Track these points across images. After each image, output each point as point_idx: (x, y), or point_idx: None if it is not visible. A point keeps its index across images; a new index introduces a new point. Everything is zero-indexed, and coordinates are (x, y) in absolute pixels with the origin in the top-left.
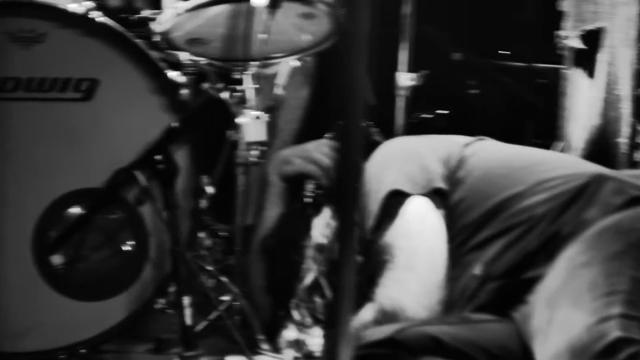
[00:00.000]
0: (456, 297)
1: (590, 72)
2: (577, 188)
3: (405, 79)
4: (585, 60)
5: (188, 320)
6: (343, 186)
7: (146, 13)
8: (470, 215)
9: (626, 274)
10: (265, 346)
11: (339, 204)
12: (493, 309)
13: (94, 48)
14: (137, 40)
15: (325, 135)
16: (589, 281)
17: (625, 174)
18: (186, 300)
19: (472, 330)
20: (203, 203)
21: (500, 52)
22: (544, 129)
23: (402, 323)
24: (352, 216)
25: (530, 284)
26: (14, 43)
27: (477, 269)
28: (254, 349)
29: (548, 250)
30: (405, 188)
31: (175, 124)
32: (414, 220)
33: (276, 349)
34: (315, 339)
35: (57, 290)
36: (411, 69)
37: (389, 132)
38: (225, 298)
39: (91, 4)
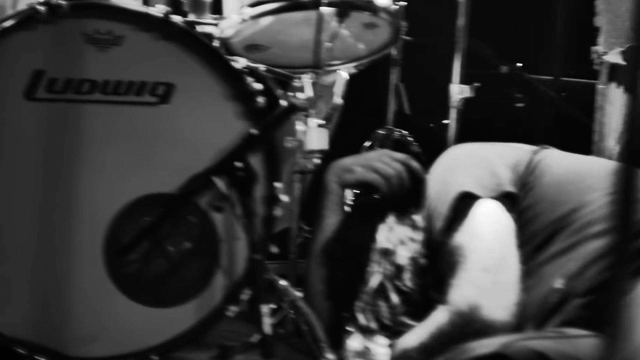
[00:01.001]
0: (533, 310)
1: (630, 87)
2: None
3: (458, 91)
4: (623, 75)
5: (267, 328)
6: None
7: (191, 17)
8: (540, 222)
9: None
10: (330, 356)
11: (618, 222)
12: (583, 324)
13: (171, 52)
14: (215, 46)
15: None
16: None
17: None
18: (265, 309)
19: (572, 345)
20: (277, 211)
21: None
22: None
23: (506, 337)
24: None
25: None
26: (90, 45)
27: (558, 283)
28: (319, 358)
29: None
30: (475, 190)
31: (254, 131)
32: (486, 221)
33: (342, 359)
34: (381, 348)
35: (127, 295)
36: (463, 81)
37: (442, 144)
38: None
39: (169, 8)
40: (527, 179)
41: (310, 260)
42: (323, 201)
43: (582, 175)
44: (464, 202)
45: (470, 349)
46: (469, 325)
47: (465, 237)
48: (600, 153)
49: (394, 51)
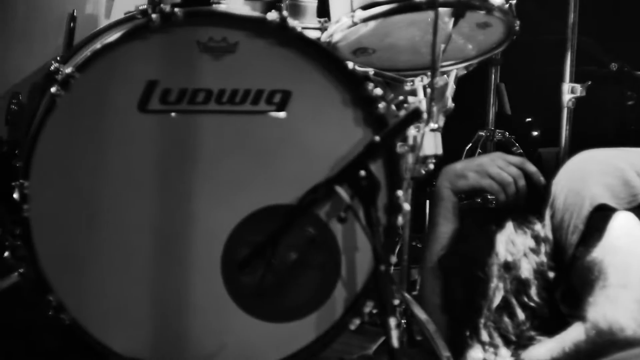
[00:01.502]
0: None
1: None
2: None
3: (570, 90)
4: None
5: (395, 342)
6: None
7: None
8: None
9: None
10: None
11: None
12: None
13: (286, 58)
14: (332, 51)
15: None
16: None
17: None
18: (392, 322)
19: None
20: (399, 220)
21: None
22: None
23: None
24: None
25: None
26: (205, 53)
27: None
28: None
29: None
30: (611, 203)
31: (377, 139)
32: (623, 236)
33: None
34: None
35: (246, 311)
36: (574, 79)
37: (554, 144)
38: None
39: (284, 13)
40: None
41: (424, 270)
42: (436, 208)
43: None
44: (600, 215)
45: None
46: (611, 345)
47: (603, 252)
48: None
49: None
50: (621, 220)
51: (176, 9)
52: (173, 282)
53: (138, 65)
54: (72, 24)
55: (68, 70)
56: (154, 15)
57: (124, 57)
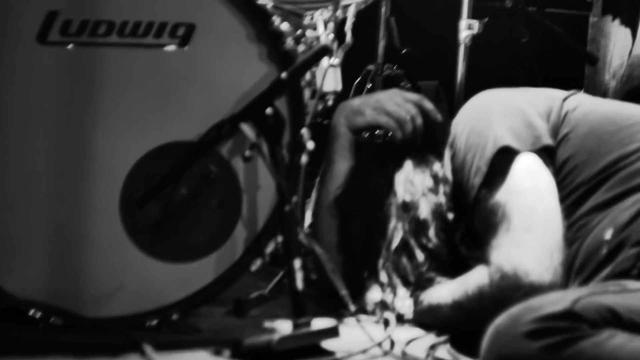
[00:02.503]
0: (579, 263)
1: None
2: None
3: (467, 27)
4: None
5: (299, 284)
6: None
7: None
8: (581, 174)
9: None
10: (351, 307)
11: None
12: (639, 274)
13: None
14: None
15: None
16: None
17: None
18: (297, 263)
19: (639, 299)
20: (303, 158)
21: None
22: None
23: (572, 292)
24: None
25: None
26: None
27: (608, 234)
28: (339, 310)
29: None
30: (514, 144)
31: (284, 76)
32: (527, 177)
33: (362, 310)
34: (404, 301)
35: (144, 251)
36: (471, 16)
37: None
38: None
39: None
40: (561, 129)
41: (320, 208)
42: (332, 145)
43: (618, 124)
44: (503, 156)
45: (537, 307)
46: (516, 289)
47: (506, 195)
48: (594, 87)
49: None
50: (525, 163)
51: None
52: (70, 220)
53: None
54: None
55: None
56: None
57: None
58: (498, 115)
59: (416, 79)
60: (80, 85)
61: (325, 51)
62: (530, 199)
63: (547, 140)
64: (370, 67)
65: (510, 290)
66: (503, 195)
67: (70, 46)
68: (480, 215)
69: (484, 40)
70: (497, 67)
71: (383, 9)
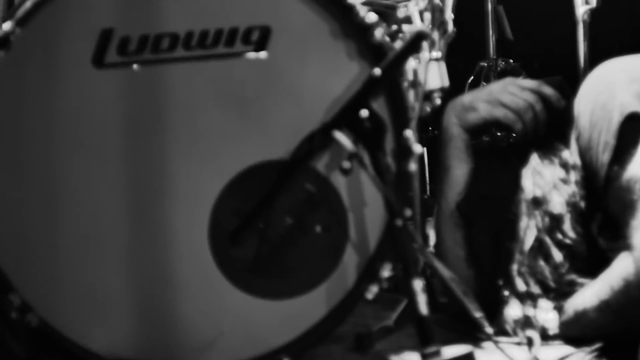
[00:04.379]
0: None
1: None
2: None
3: (584, 1)
4: None
5: (423, 309)
6: None
7: None
8: None
9: None
10: (488, 329)
11: None
12: None
13: None
14: None
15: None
16: None
17: None
18: (417, 285)
19: None
20: (412, 165)
21: None
22: None
23: None
24: None
25: None
26: None
27: None
28: (474, 334)
29: None
30: None
31: (377, 71)
32: None
33: (501, 331)
34: (547, 313)
35: (243, 289)
36: None
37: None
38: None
39: None
40: None
41: (442, 221)
42: (446, 149)
43: None
44: (633, 125)
45: None
46: None
47: None
48: None
49: None
50: None
51: None
52: (154, 263)
53: (88, 13)
54: None
55: (6, 26)
56: None
57: (71, 5)
58: (621, 83)
59: (535, 70)
60: (148, 110)
61: (421, 37)
62: None
63: None
64: (483, 63)
65: None
66: (638, 167)
67: (134, 67)
68: (614, 195)
69: (604, 13)
70: (621, 42)
71: None
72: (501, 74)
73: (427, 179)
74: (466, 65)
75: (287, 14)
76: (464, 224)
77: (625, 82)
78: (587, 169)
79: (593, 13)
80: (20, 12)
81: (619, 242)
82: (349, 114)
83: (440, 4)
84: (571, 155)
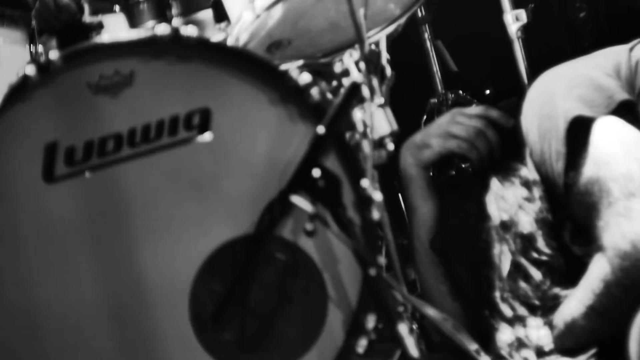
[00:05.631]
0: None
1: None
2: None
3: (515, 18)
4: None
5: (413, 352)
6: None
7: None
8: None
9: None
10: (485, 358)
11: None
12: None
13: (192, 73)
14: (239, 47)
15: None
16: None
17: None
18: (403, 328)
19: None
20: (374, 214)
21: None
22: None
23: None
24: None
25: None
26: (99, 94)
27: None
28: None
29: None
30: (586, 112)
31: (321, 129)
32: (612, 142)
33: (498, 357)
34: (539, 330)
35: None
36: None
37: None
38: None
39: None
40: (635, 80)
41: (419, 261)
42: (409, 190)
43: None
44: (579, 129)
45: None
46: None
47: (596, 167)
48: None
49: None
50: (605, 127)
51: (51, 56)
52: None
53: (29, 130)
54: None
55: None
56: (29, 70)
57: (10, 126)
58: (561, 90)
59: (488, 96)
60: (108, 211)
61: (356, 88)
62: (623, 163)
63: (622, 95)
64: (433, 99)
65: (636, 269)
66: (592, 169)
67: (86, 174)
68: (576, 201)
69: (536, 26)
70: (559, 51)
71: (426, 34)
72: (453, 107)
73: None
74: (417, 104)
75: (223, 91)
76: (440, 260)
77: (564, 89)
78: (546, 181)
79: (526, 28)
80: None
81: (592, 246)
82: (302, 176)
83: (376, 49)
84: (529, 171)
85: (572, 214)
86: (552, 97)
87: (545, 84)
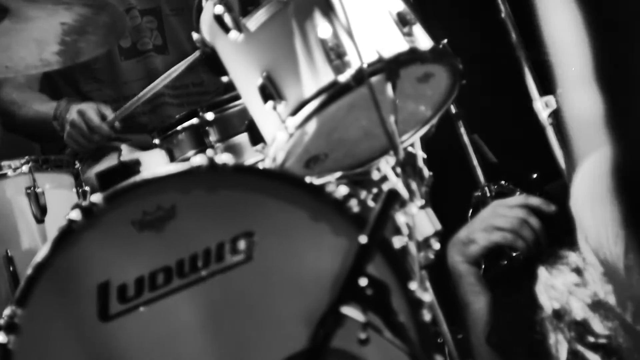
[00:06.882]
0: None
1: None
2: None
3: (544, 104)
4: None
5: None
6: None
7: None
8: None
9: None
10: None
11: None
12: None
13: (232, 199)
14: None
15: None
16: None
17: None
18: None
19: None
20: (425, 315)
21: None
22: None
23: None
24: None
25: None
26: (144, 230)
27: None
28: None
29: None
30: None
31: (363, 239)
32: None
33: None
34: None
35: None
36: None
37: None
38: None
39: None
40: None
41: (477, 356)
42: (460, 288)
43: None
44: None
45: None
46: None
47: None
48: None
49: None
50: None
51: (93, 199)
52: None
53: (79, 274)
54: (11, 267)
55: (7, 311)
56: (73, 215)
57: (61, 272)
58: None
59: (531, 181)
60: (164, 344)
61: (393, 195)
62: None
63: None
64: (477, 192)
65: None
66: None
67: (140, 309)
68: (638, 282)
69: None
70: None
71: (462, 129)
72: (497, 197)
73: None
74: (460, 199)
75: (264, 213)
76: (499, 355)
77: None
78: (606, 265)
79: (557, 113)
80: (17, 292)
81: None
82: (350, 287)
83: (412, 151)
84: (581, 256)
85: (633, 295)
86: (603, 179)
87: (592, 168)
